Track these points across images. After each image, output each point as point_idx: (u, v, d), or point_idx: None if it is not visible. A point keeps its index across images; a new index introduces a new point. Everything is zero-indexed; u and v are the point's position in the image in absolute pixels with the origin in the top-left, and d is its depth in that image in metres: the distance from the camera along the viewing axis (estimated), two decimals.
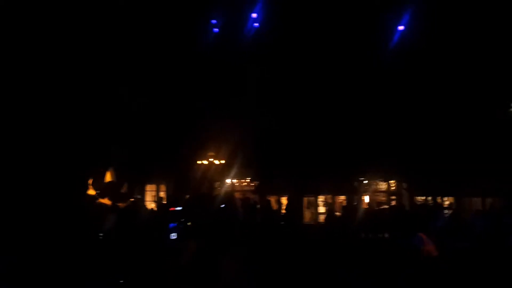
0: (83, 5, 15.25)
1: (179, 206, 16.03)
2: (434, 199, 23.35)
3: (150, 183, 24.25)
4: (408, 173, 23.10)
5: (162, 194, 23.46)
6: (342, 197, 24.99)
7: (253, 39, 20.41)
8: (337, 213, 21.20)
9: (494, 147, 20.54)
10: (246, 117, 21.02)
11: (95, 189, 18.16)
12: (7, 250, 9.58)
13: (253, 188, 25.10)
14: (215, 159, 23.92)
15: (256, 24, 20.33)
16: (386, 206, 22.54)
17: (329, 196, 25.11)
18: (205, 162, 23.94)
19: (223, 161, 23.88)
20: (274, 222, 18.65)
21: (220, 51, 20.43)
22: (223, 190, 22.75)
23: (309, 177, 22.98)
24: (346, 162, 22.20)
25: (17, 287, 8.67)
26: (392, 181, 24.99)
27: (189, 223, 17.39)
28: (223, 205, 14.22)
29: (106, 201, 17.35)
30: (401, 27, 19.82)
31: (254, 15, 20.12)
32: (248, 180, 25.61)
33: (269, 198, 20.44)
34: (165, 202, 20.26)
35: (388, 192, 25.10)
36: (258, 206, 19.23)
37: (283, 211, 20.77)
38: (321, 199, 25.15)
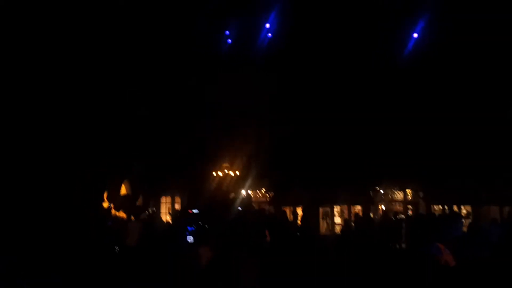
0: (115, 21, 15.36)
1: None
2: (451, 208, 23.12)
3: (165, 195, 24.24)
4: (424, 181, 22.90)
5: (177, 206, 23.45)
6: (358, 207, 24.83)
7: (267, 48, 20.42)
8: (353, 224, 21.06)
9: None
10: (261, 128, 20.99)
11: (110, 201, 18.23)
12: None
13: (268, 199, 25.04)
14: (230, 170, 23.88)
15: (269, 34, 20.35)
16: (402, 216, 22.35)
17: (345, 206, 24.96)
18: (220, 173, 23.92)
19: (238, 173, 23.84)
20: (290, 233, 18.56)
21: (235, 60, 20.45)
22: (240, 198, 22.62)
23: (325, 188, 22.86)
24: (362, 172, 22.05)
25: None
26: (408, 190, 24.80)
27: (206, 226, 17.40)
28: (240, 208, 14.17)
29: (121, 213, 17.41)
30: (415, 35, 19.75)
31: (267, 25, 20.16)
32: (263, 191, 25.55)
33: (284, 209, 20.36)
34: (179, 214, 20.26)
35: (405, 201, 24.90)
36: (274, 217, 19.17)
37: (299, 222, 20.69)
38: (337, 209, 25.01)
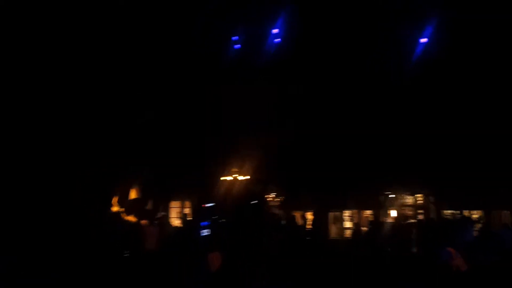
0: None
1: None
2: (462, 213, 22.96)
3: (175, 199, 24.23)
4: (435, 186, 22.76)
5: (187, 210, 23.42)
6: (369, 212, 24.71)
7: (274, 54, 20.38)
8: (364, 228, 20.96)
9: None
10: (270, 132, 20.95)
11: (120, 206, 18.23)
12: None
13: (278, 203, 24.94)
14: (239, 174, 23.85)
15: (277, 40, 20.31)
16: (413, 221, 22.22)
17: (355, 211, 24.86)
18: (229, 178, 23.89)
19: (247, 177, 23.80)
20: (300, 237, 18.51)
21: (242, 66, 20.43)
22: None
23: (335, 192, 22.78)
24: (372, 176, 21.97)
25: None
26: (419, 195, 24.65)
27: (222, 220, 17.38)
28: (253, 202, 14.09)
29: (131, 218, 17.40)
30: (423, 40, 19.65)
31: (275, 30, 20.11)
32: (273, 196, 25.47)
33: (294, 214, 20.31)
34: (190, 218, 20.26)
35: (415, 206, 24.74)
36: (284, 221, 19.13)
37: (309, 227, 20.63)
38: (347, 214, 24.90)
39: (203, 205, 21.68)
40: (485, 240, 13.07)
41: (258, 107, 21.08)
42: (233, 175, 24.01)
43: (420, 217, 23.46)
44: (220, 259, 6.46)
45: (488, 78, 19.96)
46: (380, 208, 24.19)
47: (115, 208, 17.60)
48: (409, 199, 24.88)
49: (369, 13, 18.69)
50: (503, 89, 19.99)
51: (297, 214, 21.11)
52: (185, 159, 20.60)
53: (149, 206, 19.82)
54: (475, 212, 23.46)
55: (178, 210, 23.99)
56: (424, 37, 19.52)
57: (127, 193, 20.14)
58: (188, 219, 20.22)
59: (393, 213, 24.25)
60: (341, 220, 24.76)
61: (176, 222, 21.82)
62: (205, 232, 15.29)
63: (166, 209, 23.12)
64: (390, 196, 24.66)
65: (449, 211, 23.49)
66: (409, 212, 24.43)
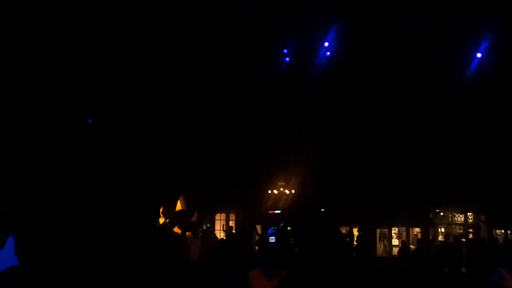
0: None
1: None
2: None
3: (220, 212, 24.25)
4: (486, 205, 22.16)
5: (231, 223, 23.40)
6: (417, 229, 24.27)
7: (325, 68, 20.21)
8: (412, 246, 20.56)
9: None
10: (317, 146, 20.76)
11: (165, 217, 18.31)
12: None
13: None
14: (285, 188, 23.71)
15: (328, 53, 20.13)
16: (463, 240, 21.66)
17: (403, 228, 24.45)
18: (275, 191, 23.78)
19: (293, 191, 23.65)
20: (347, 254, 18.27)
21: (292, 80, 20.32)
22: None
23: (383, 208, 22.40)
24: (422, 193, 21.55)
25: None
26: (469, 213, 24.06)
27: (288, 228, 17.26)
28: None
29: (176, 229, 17.43)
30: (479, 55, 19.18)
31: (326, 44, 19.95)
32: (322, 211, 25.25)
33: (340, 229, 20.06)
34: (234, 231, 20.19)
35: (466, 225, 24.16)
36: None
37: (355, 243, 20.33)
38: (395, 231, 24.50)
39: (270, 212, 21.64)
40: None
41: (307, 121, 20.95)
42: (280, 189, 23.90)
43: (471, 236, 22.87)
44: (265, 283, 6.18)
45: None
46: (429, 226, 23.71)
47: (161, 219, 17.70)
48: (459, 217, 24.33)
49: (422, 27, 18.39)
50: None
51: (343, 230, 20.86)
52: (231, 172, 20.60)
53: (194, 218, 19.85)
54: None
55: (223, 222, 24.02)
56: (479, 52, 19.08)
57: (174, 205, 20.23)
58: (233, 231, 20.17)
59: (442, 231, 23.78)
60: (388, 237, 24.37)
61: (220, 234, 21.83)
62: (272, 239, 15.20)
63: (211, 221, 23.18)
64: (439, 213, 24.16)
65: (501, 231, 22.84)
66: (459, 230, 23.90)
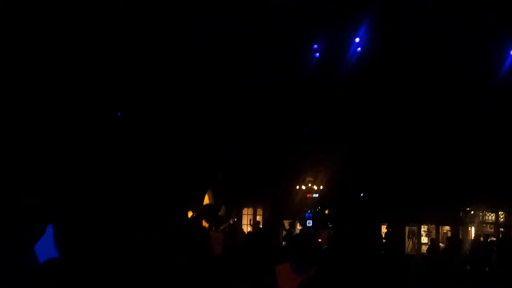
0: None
1: None
2: None
3: (247, 206, 24.27)
4: None
5: (258, 218, 23.43)
6: (447, 228, 24.01)
7: (355, 64, 20.06)
8: (441, 244, 20.34)
9: None
10: (346, 143, 20.63)
11: (193, 211, 18.40)
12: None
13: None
14: (313, 184, 23.64)
15: (359, 49, 19.97)
16: (493, 238, 21.36)
17: (432, 226, 24.21)
18: (303, 187, 23.71)
19: (321, 187, 23.57)
20: (374, 251, 18.12)
21: (322, 76, 20.22)
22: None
23: (413, 206, 22.18)
24: (452, 191, 21.30)
25: None
26: (501, 212, 23.72)
27: (326, 211, 17.17)
28: None
29: (204, 223, 17.51)
30: None
31: (357, 39, 19.79)
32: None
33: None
34: (261, 226, 20.21)
35: (497, 224, 23.83)
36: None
37: (383, 240, 20.17)
38: (424, 229, 24.27)
39: (308, 195, 21.61)
40: None
41: (335, 118, 20.84)
42: (308, 185, 23.83)
43: (501, 235, 22.56)
44: (293, 278, 6.08)
45: None
46: (459, 224, 23.45)
47: (189, 213, 17.79)
48: (490, 216, 24.01)
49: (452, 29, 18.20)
50: None
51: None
52: (259, 165, 20.59)
53: (222, 212, 19.92)
54: None
55: (250, 217, 24.04)
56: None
57: (202, 199, 20.32)
58: (260, 226, 20.19)
59: (473, 230, 23.50)
60: (417, 235, 24.17)
61: (247, 228, 21.87)
62: (309, 223, 15.09)
63: (239, 216, 23.22)
64: (470, 212, 23.86)
65: None
66: (489, 229, 23.61)
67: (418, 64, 19.17)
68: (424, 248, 22.63)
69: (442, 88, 19.98)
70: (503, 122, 20.07)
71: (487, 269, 17.25)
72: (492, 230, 23.50)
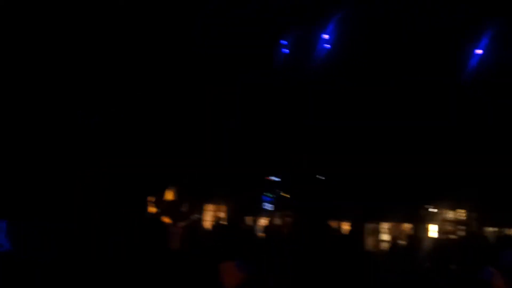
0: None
1: None
2: (507, 231, 22.27)
3: (210, 203, 24.10)
4: (478, 202, 22.12)
5: (222, 214, 23.28)
6: (408, 225, 24.20)
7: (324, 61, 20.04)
8: (402, 242, 20.52)
9: None
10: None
11: (156, 207, 18.26)
12: None
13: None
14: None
15: (327, 46, 19.91)
16: (454, 237, 21.65)
17: (393, 224, 24.36)
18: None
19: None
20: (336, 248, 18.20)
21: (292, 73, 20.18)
22: None
23: (372, 204, 22.31)
24: (414, 189, 21.50)
25: None
26: (461, 210, 24.02)
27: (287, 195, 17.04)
28: None
29: (167, 219, 17.39)
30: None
31: (325, 36, 19.74)
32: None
33: (329, 223, 20.02)
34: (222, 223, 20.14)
35: (457, 222, 24.11)
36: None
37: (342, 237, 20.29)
38: (384, 226, 24.42)
39: (267, 178, 21.52)
40: None
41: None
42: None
43: (462, 233, 22.86)
44: (237, 276, 5.97)
45: None
46: (420, 222, 23.66)
47: (153, 209, 17.67)
48: (450, 214, 24.29)
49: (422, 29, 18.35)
50: None
51: (333, 224, 20.79)
52: (224, 162, 20.48)
53: (184, 208, 19.78)
54: None
55: (212, 213, 23.86)
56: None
57: (163, 195, 20.15)
58: (221, 222, 20.12)
59: (433, 228, 23.74)
60: (377, 232, 24.30)
61: (209, 225, 21.74)
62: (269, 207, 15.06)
63: (201, 212, 23.02)
64: (430, 210, 24.11)
65: (493, 229, 22.81)
66: (449, 227, 23.87)
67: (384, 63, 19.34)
68: (385, 246, 22.80)
69: (403, 87, 20.13)
70: (467, 121, 20.31)
71: (447, 266, 17.47)
72: (453, 228, 23.79)
